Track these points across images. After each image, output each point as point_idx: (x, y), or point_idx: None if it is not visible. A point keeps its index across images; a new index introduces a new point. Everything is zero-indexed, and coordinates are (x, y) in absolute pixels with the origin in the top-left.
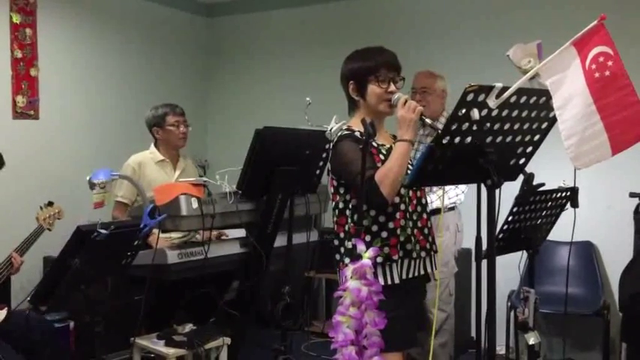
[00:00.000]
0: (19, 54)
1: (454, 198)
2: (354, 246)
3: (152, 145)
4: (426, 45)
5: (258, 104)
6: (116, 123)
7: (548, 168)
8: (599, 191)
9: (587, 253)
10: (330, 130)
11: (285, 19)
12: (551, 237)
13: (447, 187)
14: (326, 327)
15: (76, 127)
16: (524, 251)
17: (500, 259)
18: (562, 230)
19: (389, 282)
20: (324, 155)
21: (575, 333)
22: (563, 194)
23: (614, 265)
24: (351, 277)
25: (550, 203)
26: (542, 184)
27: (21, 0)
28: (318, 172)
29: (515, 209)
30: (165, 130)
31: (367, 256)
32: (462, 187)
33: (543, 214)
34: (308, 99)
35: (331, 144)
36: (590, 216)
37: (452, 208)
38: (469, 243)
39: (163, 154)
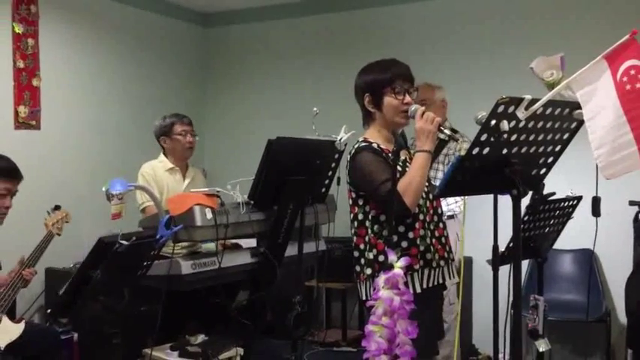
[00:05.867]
0: (21, 64)
1: (452, 205)
2: (376, 257)
3: (161, 154)
4: (425, 55)
5: (256, 114)
6: (116, 132)
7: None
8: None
9: (587, 260)
10: (340, 140)
11: (282, 29)
12: None
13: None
14: (327, 336)
15: (76, 136)
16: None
17: (504, 267)
18: (562, 238)
19: (410, 291)
20: (333, 165)
21: (576, 339)
22: (571, 203)
23: (614, 272)
24: (383, 287)
25: (558, 212)
26: (553, 194)
27: (23, 10)
28: (327, 181)
29: (525, 218)
30: (173, 139)
31: (399, 265)
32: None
33: (551, 222)
34: (315, 109)
35: (348, 155)
36: (591, 223)
37: (451, 217)
38: (469, 252)
39: (173, 163)
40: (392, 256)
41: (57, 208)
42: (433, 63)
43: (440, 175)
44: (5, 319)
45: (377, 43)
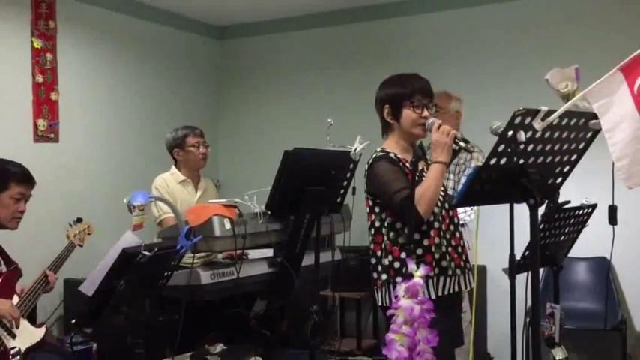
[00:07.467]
0: (40, 78)
1: (462, 214)
2: (391, 263)
3: (173, 167)
4: (439, 65)
5: (270, 125)
6: (133, 145)
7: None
8: None
9: (602, 268)
10: (355, 151)
11: (296, 41)
12: None
13: None
14: (342, 346)
15: (95, 149)
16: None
17: (519, 276)
18: (578, 246)
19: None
20: (348, 175)
21: (592, 348)
22: (586, 211)
23: (630, 280)
24: (403, 296)
25: (573, 220)
26: (568, 202)
27: (42, 26)
28: (342, 191)
29: (541, 226)
30: (186, 151)
31: (418, 274)
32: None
33: (566, 230)
34: (330, 120)
35: (366, 164)
36: (606, 232)
37: (461, 225)
38: (483, 260)
39: (185, 175)
40: (412, 265)
41: (79, 220)
42: (447, 73)
43: (450, 184)
44: (26, 322)
45: (390, 54)
